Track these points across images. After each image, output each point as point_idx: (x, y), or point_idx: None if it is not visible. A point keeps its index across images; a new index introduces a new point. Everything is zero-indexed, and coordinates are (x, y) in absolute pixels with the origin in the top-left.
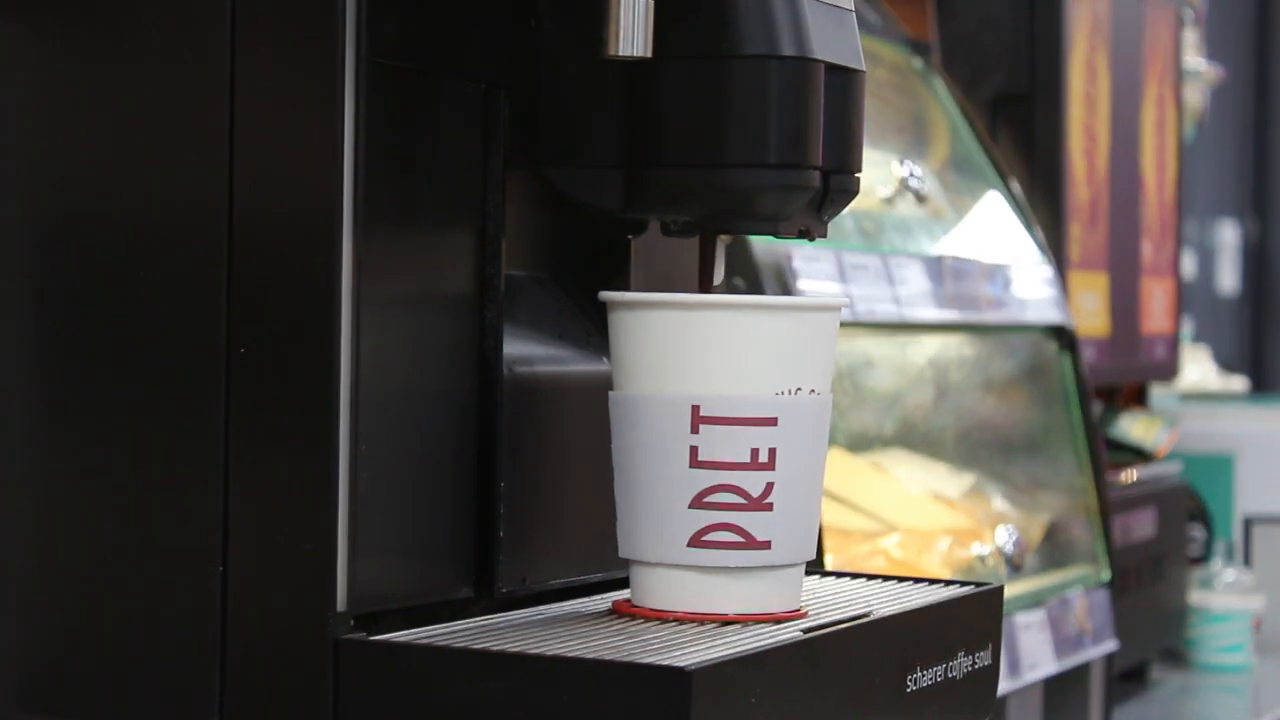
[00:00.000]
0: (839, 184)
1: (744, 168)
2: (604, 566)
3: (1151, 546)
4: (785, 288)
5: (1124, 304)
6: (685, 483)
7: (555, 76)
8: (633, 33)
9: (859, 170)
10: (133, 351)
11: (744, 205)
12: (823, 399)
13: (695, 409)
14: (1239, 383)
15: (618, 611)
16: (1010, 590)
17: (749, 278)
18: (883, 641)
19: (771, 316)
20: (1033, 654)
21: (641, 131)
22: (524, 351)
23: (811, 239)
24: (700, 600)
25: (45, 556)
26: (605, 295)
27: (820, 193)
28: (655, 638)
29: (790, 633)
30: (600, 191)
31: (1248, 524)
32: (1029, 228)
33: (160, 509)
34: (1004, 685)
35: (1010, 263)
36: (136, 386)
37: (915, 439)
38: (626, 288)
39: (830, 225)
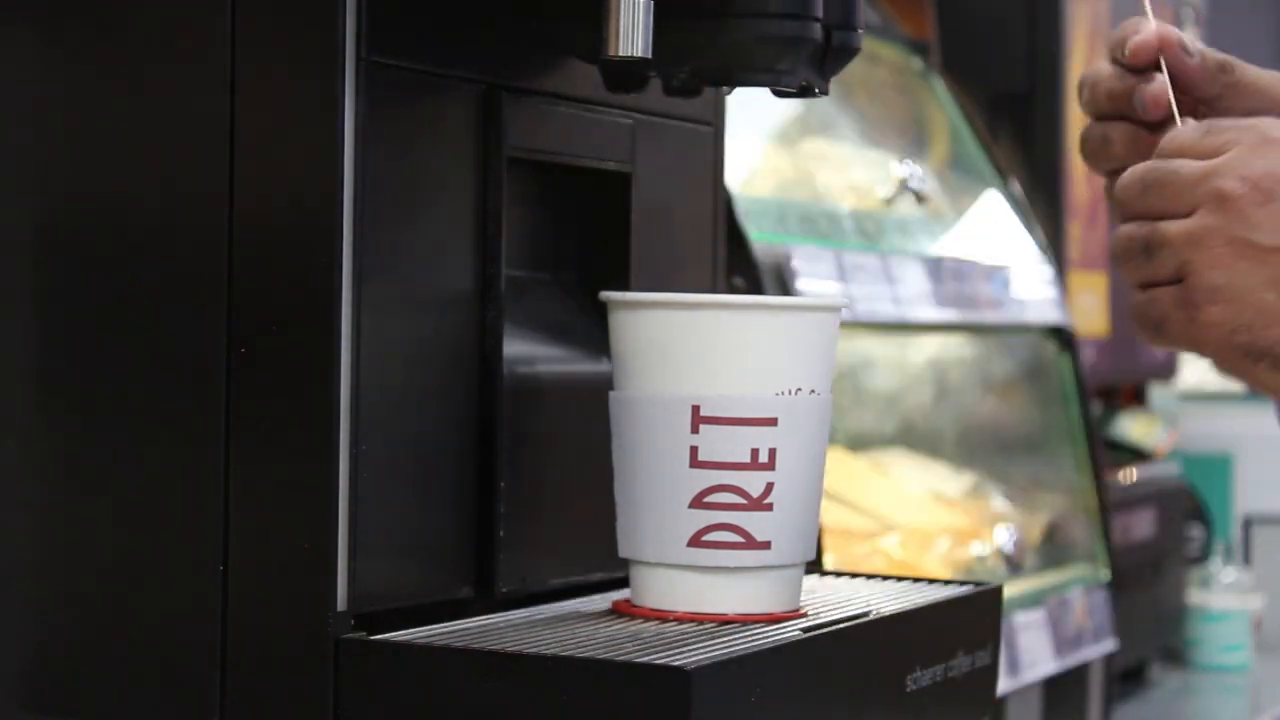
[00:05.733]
0: (841, 40)
1: (745, 18)
2: (604, 566)
3: (1151, 546)
4: (785, 287)
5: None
6: (685, 483)
7: None
8: (632, 33)
9: (860, 27)
10: (133, 352)
11: (745, 57)
12: (823, 399)
13: (695, 409)
14: (1238, 383)
15: (618, 611)
16: (1009, 590)
17: (749, 277)
18: (882, 641)
19: (772, 317)
20: (1032, 653)
21: None
22: (524, 351)
23: (814, 95)
24: (700, 600)
25: (46, 557)
26: (605, 295)
27: (822, 48)
28: (655, 638)
29: (790, 633)
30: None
31: (1247, 524)
32: (1029, 228)
33: (161, 509)
34: (1003, 684)
35: (1010, 263)
36: (137, 386)
37: (915, 439)
38: (626, 288)
39: (830, 225)
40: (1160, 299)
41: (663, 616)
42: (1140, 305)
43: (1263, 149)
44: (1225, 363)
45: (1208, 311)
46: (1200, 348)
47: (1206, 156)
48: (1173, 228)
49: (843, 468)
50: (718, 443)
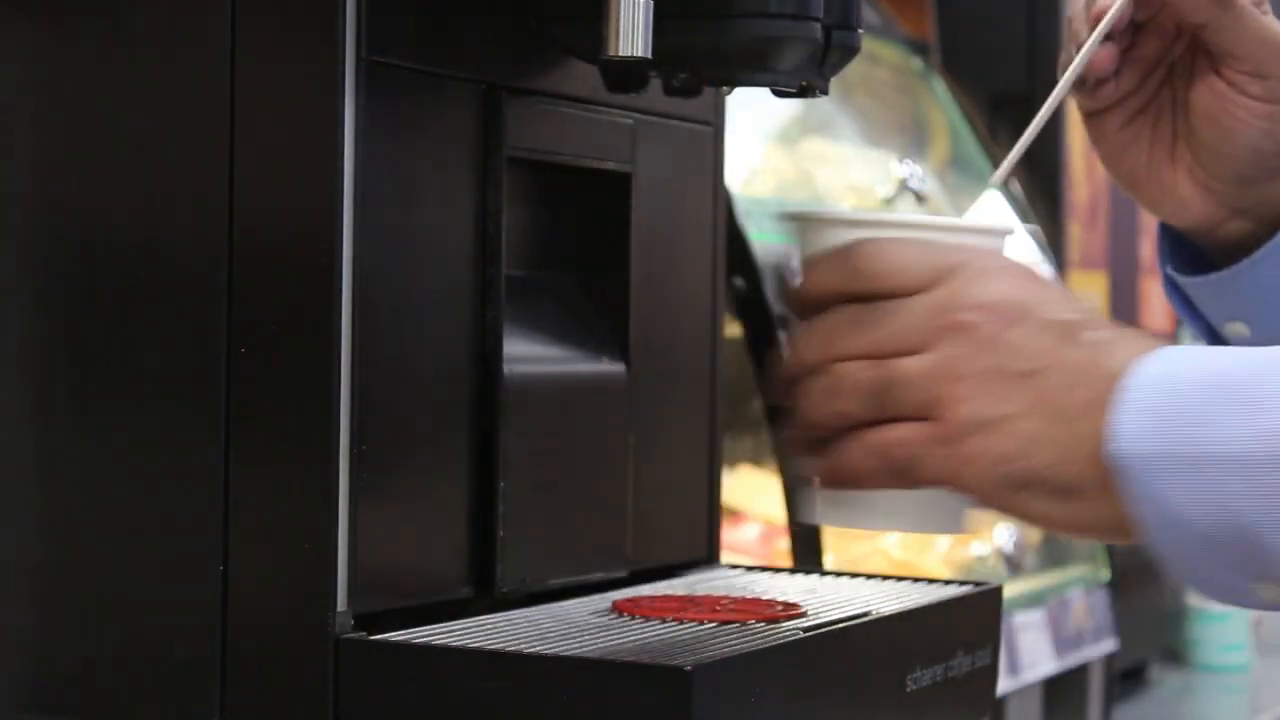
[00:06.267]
0: (841, 39)
1: (745, 18)
2: (604, 566)
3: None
4: (784, 287)
5: (1124, 304)
6: None
7: None
8: (632, 33)
9: (860, 27)
10: (133, 351)
11: (745, 57)
12: None
13: None
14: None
15: (618, 611)
16: (1009, 590)
17: (749, 276)
18: (883, 641)
19: (946, 237)
20: (1032, 653)
21: None
22: (524, 351)
23: (814, 95)
24: (887, 517)
25: (46, 557)
26: (791, 210)
27: (822, 48)
28: (655, 637)
29: (790, 633)
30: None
31: None
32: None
33: (160, 509)
34: (1003, 685)
35: None
36: (137, 387)
37: None
38: (626, 287)
39: None
40: (908, 438)
41: (662, 616)
42: (879, 447)
43: (991, 274)
44: (988, 495)
45: (969, 444)
46: (961, 482)
47: (925, 282)
48: (913, 364)
49: None
50: None
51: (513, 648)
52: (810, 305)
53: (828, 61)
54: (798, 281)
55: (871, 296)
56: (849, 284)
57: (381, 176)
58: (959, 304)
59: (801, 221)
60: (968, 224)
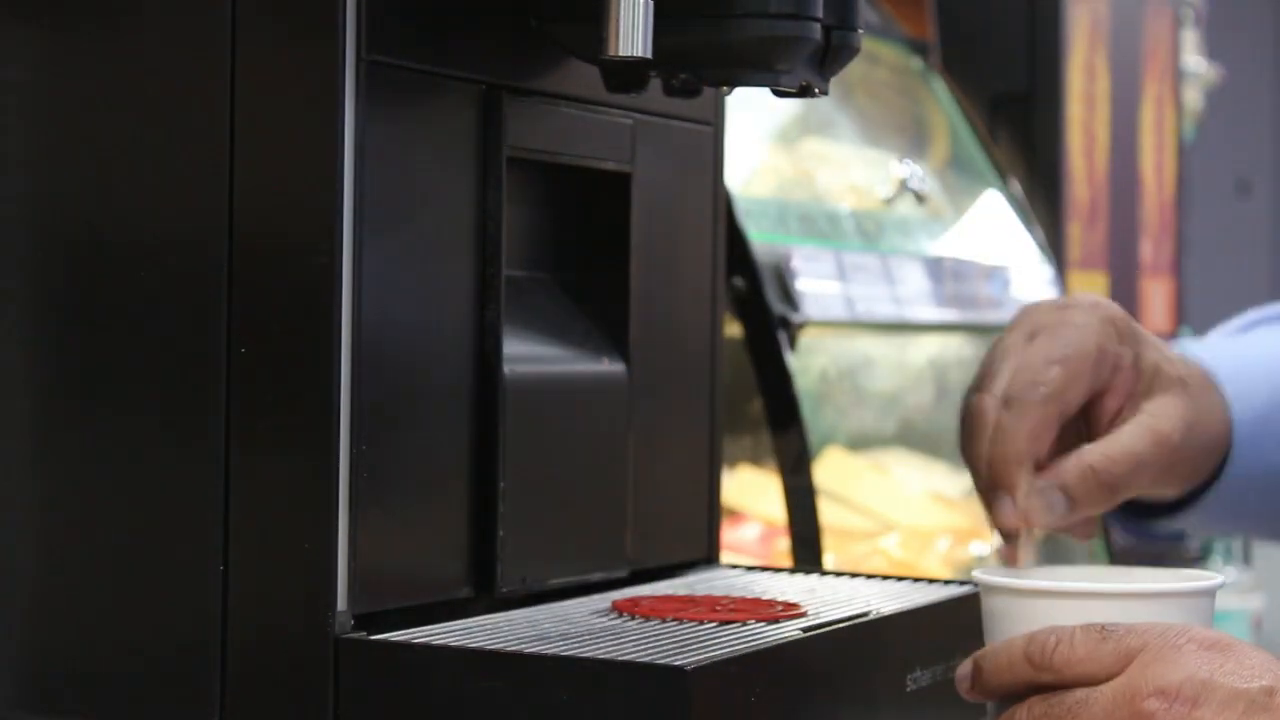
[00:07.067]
0: (840, 39)
1: (745, 18)
2: (604, 566)
3: (1150, 546)
4: (784, 287)
5: (1123, 304)
6: None
7: None
8: (632, 33)
9: (860, 27)
10: (133, 352)
11: (745, 57)
12: None
13: None
14: None
15: (618, 611)
16: None
17: (748, 276)
18: (883, 641)
19: (1145, 606)
20: None
21: None
22: (524, 351)
23: (814, 95)
24: None
25: (46, 557)
26: (979, 577)
27: (822, 48)
28: (655, 638)
29: (790, 633)
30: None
31: None
32: (1029, 228)
33: (161, 509)
34: None
35: (1010, 263)
36: (136, 386)
37: (915, 439)
38: (626, 288)
39: (830, 225)
40: None
41: (662, 616)
42: None
43: (1170, 654)
44: None
45: None
46: None
47: (1108, 670)
48: None
49: (843, 468)
50: None
51: (513, 648)
52: (999, 694)
53: (828, 61)
54: (985, 667)
55: (1057, 687)
56: (1036, 677)
57: (381, 176)
58: (1139, 692)
59: (987, 589)
60: (1164, 589)
